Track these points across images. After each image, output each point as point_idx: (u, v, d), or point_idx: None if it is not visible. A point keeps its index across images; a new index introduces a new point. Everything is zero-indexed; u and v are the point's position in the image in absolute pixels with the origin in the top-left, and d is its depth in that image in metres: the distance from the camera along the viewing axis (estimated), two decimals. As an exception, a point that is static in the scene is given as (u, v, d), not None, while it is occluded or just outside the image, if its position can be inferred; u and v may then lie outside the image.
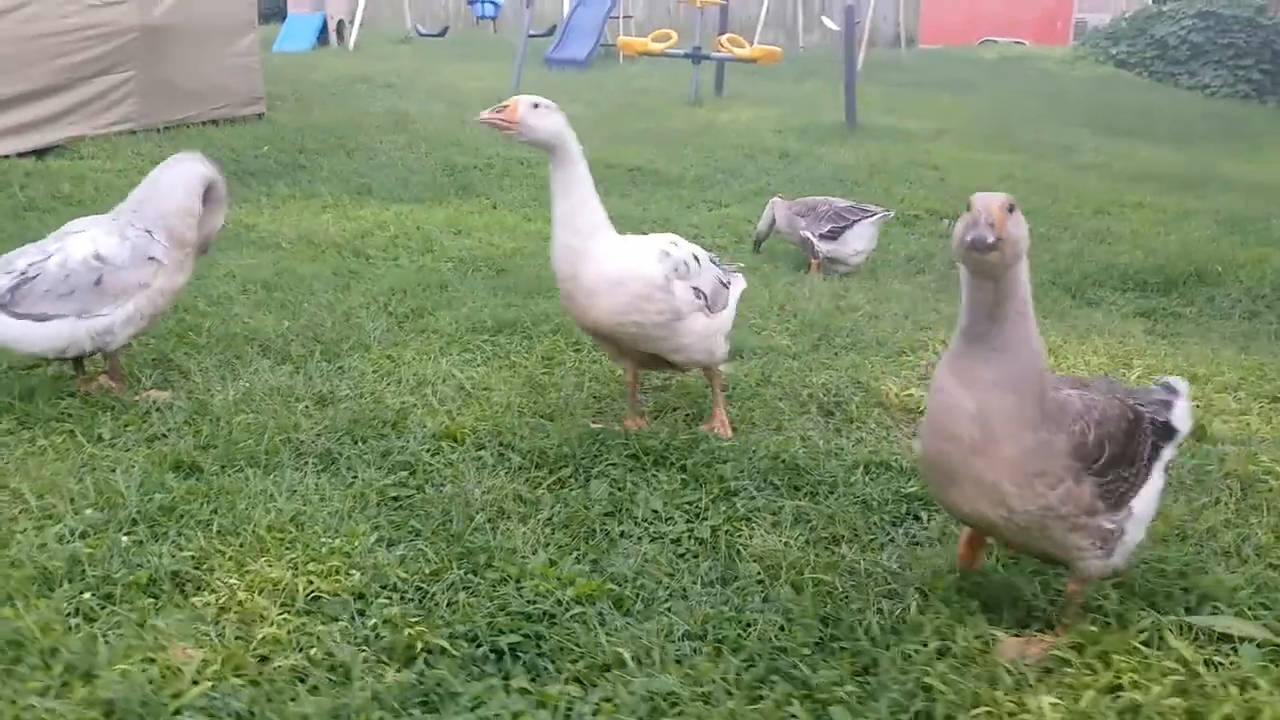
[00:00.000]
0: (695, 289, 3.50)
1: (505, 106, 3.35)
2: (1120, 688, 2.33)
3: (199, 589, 2.57)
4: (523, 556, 2.76)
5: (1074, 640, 2.47)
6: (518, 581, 2.64)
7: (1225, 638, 2.52)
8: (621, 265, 3.39)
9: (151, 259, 3.63)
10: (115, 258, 3.57)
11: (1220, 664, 2.42)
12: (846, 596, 2.64)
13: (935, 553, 2.86)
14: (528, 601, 2.55)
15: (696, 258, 3.56)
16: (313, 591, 2.57)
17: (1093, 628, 2.53)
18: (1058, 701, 2.28)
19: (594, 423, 3.66)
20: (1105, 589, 2.69)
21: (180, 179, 3.76)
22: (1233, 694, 2.31)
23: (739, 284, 3.90)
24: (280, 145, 8.98)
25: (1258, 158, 12.80)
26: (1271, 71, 19.54)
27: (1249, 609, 2.64)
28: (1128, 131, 13.83)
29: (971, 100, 15.63)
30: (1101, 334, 5.08)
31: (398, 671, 2.30)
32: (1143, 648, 2.46)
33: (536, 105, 3.35)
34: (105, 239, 3.59)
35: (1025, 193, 8.97)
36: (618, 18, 17.94)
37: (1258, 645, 2.49)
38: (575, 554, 2.80)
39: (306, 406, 3.67)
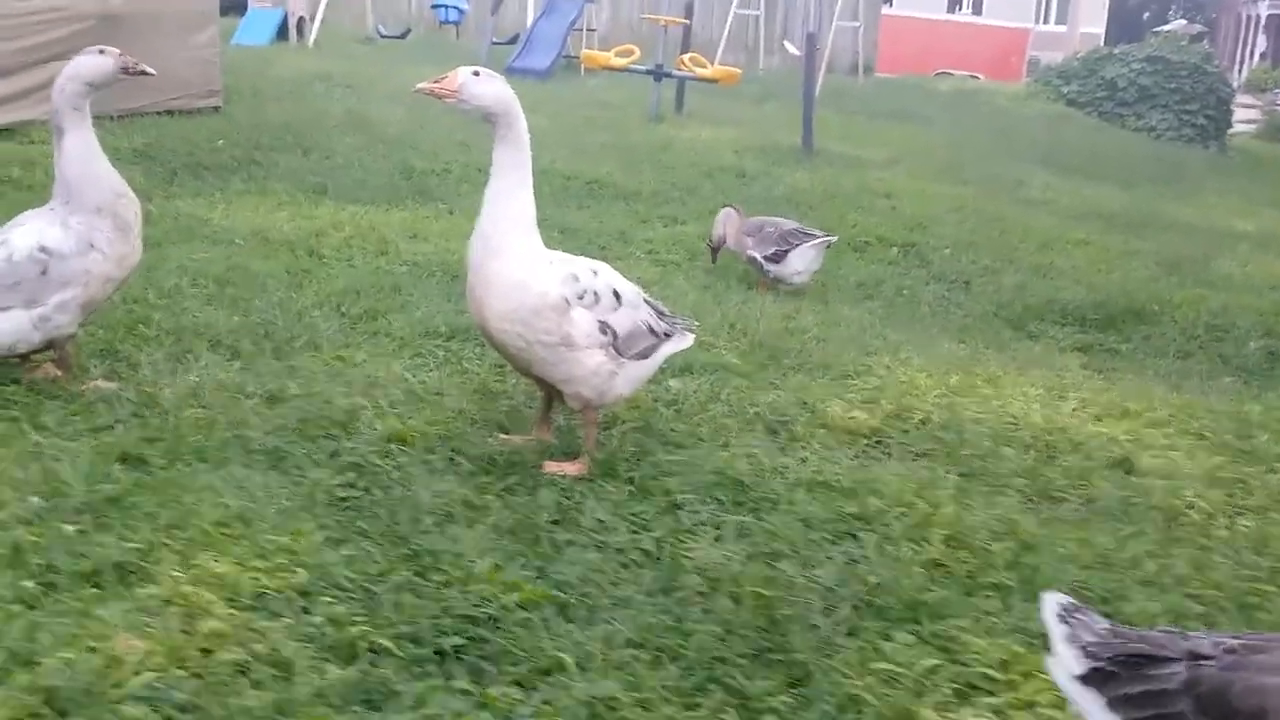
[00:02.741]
0: (603, 324, 3.37)
1: (445, 76, 3.28)
2: (1040, 705, 2.42)
3: (144, 581, 2.58)
4: (469, 560, 2.79)
5: (1000, 658, 2.57)
6: (463, 585, 2.67)
7: (1143, 662, 2.63)
8: (524, 272, 3.28)
9: (94, 246, 3.63)
10: (60, 248, 3.57)
11: (1137, 687, 2.52)
12: (784, 610, 2.71)
13: (871, 570, 2.95)
14: (473, 605, 2.59)
15: (617, 293, 3.43)
16: (258, 587, 2.59)
17: (1017, 648, 2.63)
18: (983, 715, 2.37)
19: (502, 436, 3.59)
20: (1030, 612, 2.79)
21: (102, 166, 3.73)
22: (1147, 715, 2.42)
23: (681, 342, 3.69)
24: (236, 140, 8.90)
25: (1198, 201, 13.18)
26: (1215, 117, 20.15)
27: (1167, 636, 2.76)
28: (1076, 170, 14.17)
29: (925, 131, 15.91)
30: (1040, 366, 5.23)
31: (341, 669, 2.33)
32: (1065, 669, 2.56)
33: (477, 73, 3.27)
34: (49, 230, 3.59)
35: (974, 225, 9.18)
36: (581, 30, 18.00)
37: (1173, 670, 2.60)
38: (521, 560, 2.84)
39: (256, 403, 3.68)
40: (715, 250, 6.82)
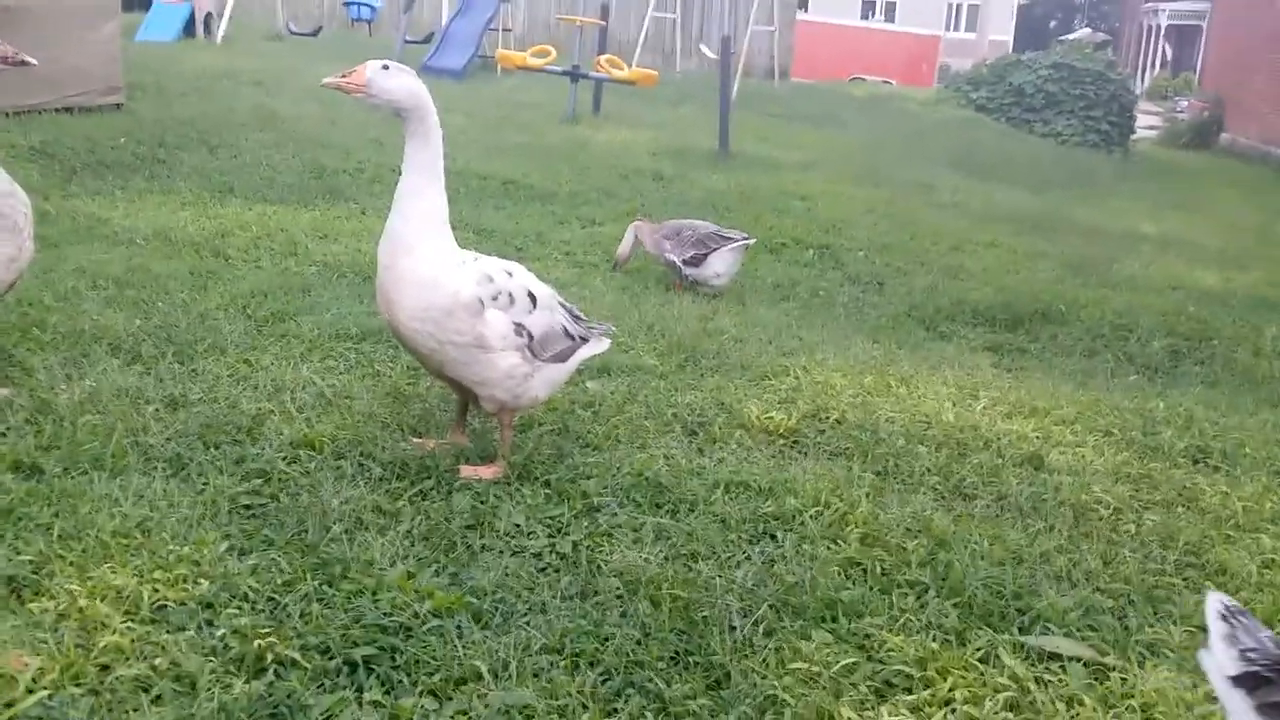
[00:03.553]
0: (518, 326, 3.32)
1: (353, 71, 3.20)
2: (956, 702, 2.44)
3: (37, 594, 2.45)
4: (380, 568, 2.72)
5: (917, 656, 2.58)
6: (374, 594, 2.60)
7: (1055, 657, 2.68)
8: (436, 271, 3.22)
9: None
10: None
11: (1050, 681, 2.57)
12: (703, 612, 2.69)
13: (788, 570, 2.95)
14: (384, 614, 2.52)
15: (532, 295, 3.38)
16: (158, 600, 2.48)
17: (933, 644, 2.65)
18: (901, 714, 2.37)
19: (414, 440, 3.53)
20: (945, 608, 2.82)
21: None
22: (1060, 710, 2.46)
23: (597, 346, 3.67)
24: (139, 137, 8.62)
25: (1103, 204, 13.59)
26: (1118, 124, 20.81)
27: (1077, 630, 2.81)
28: (985, 173, 14.51)
29: (839, 135, 16.15)
30: (951, 366, 5.31)
31: (246, 683, 2.24)
32: (979, 664, 2.59)
33: (386, 66, 3.20)
34: None
35: (886, 227, 9.32)
36: (497, 30, 17.86)
37: (1084, 664, 2.65)
38: (434, 566, 2.78)
39: (157, 409, 3.54)
40: (617, 265, 6.83)
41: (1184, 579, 3.15)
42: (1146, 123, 24.24)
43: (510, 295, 3.33)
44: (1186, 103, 24.60)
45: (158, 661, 2.26)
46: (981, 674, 2.55)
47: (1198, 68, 27.73)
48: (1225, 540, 3.43)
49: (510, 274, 3.40)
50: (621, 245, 6.81)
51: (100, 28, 9.47)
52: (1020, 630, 2.77)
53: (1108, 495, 3.67)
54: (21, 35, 8.44)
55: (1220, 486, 3.89)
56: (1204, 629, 2.88)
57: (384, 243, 3.27)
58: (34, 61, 3.61)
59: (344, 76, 3.20)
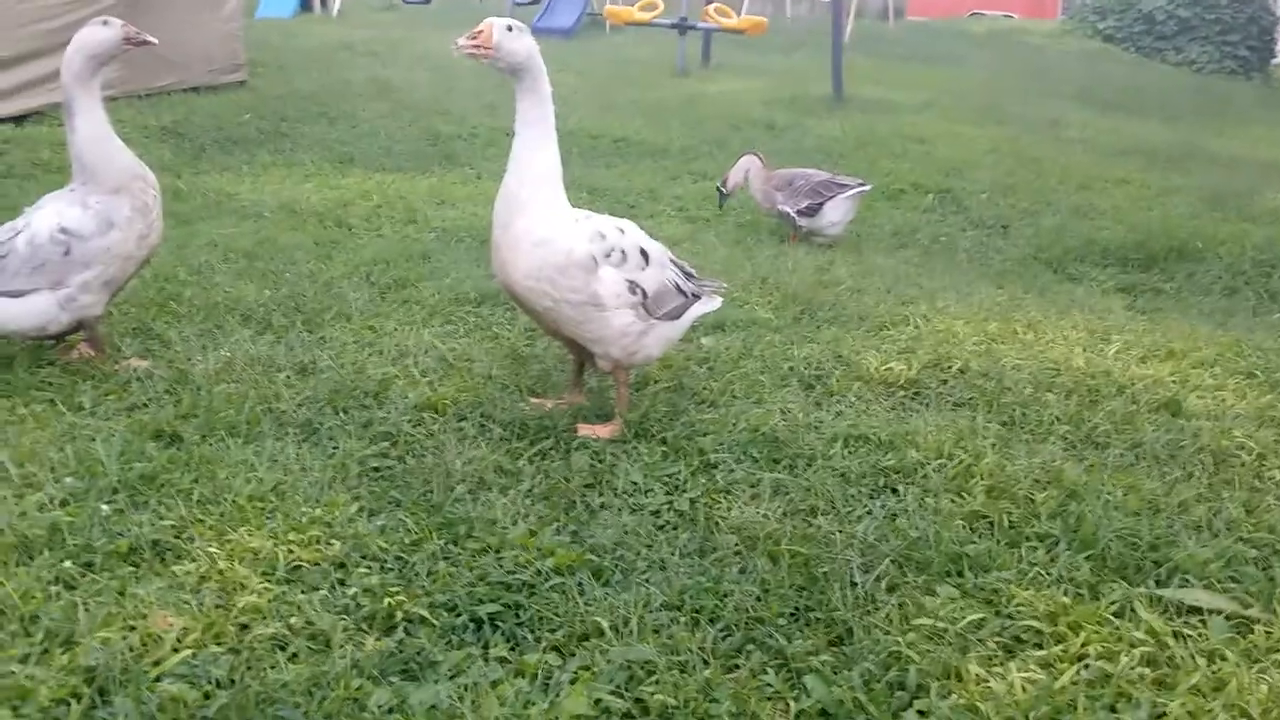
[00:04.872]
0: (631, 283, 3.32)
1: (479, 32, 3.21)
2: (1089, 658, 2.37)
3: (179, 558, 2.58)
4: (503, 527, 2.77)
5: (1047, 610, 2.51)
6: (497, 552, 2.66)
7: (1194, 610, 2.57)
8: (551, 229, 3.24)
9: (114, 225, 3.63)
10: (81, 229, 3.58)
11: (1189, 636, 2.46)
12: (823, 568, 2.67)
13: (911, 524, 2.89)
14: (507, 571, 2.57)
15: (645, 252, 3.38)
16: (293, 561, 2.58)
17: (1064, 598, 2.57)
18: (1030, 673, 2.32)
19: (533, 400, 3.58)
20: (1077, 561, 2.73)
21: (115, 146, 3.71)
22: (1200, 665, 2.36)
23: (709, 304, 3.66)
24: (262, 113, 8.91)
25: (1242, 134, 12.83)
26: (1258, 48, 19.56)
27: (1218, 582, 2.69)
28: (1114, 107, 13.84)
29: (958, 73, 15.60)
30: (1081, 309, 5.11)
31: (377, 640, 2.32)
32: (1113, 619, 2.50)
33: (510, 28, 3.23)
34: (68, 211, 3.60)
35: (1010, 168, 8.99)
36: (604, -14, 17.79)
37: (1226, 618, 2.54)
38: (555, 525, 2.82)
39: (288, 376, 3.67)
40: (726, 195, 6.67)
41: (1336, 528, 2.97)
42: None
43: (623, 252, 3.34)
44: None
45: (293, 620, 2.35)
46: (1116, 629, 2.46)
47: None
48: (1383, 487, 3.22)
49: (623, 231, 3.41)
50: (733, 172, 6.66)
51: (221, 8, 9.79)
52: (1157, 583, 2.67)
53: (1251, 440, 3.49)
54: (147, 19, 8.75)
55: (1377, 430, 3.65)
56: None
57: (499, 203, 3.31)
58: (154, 41, 3.75)
59: (471, 39, 3.23)
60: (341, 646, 2.28)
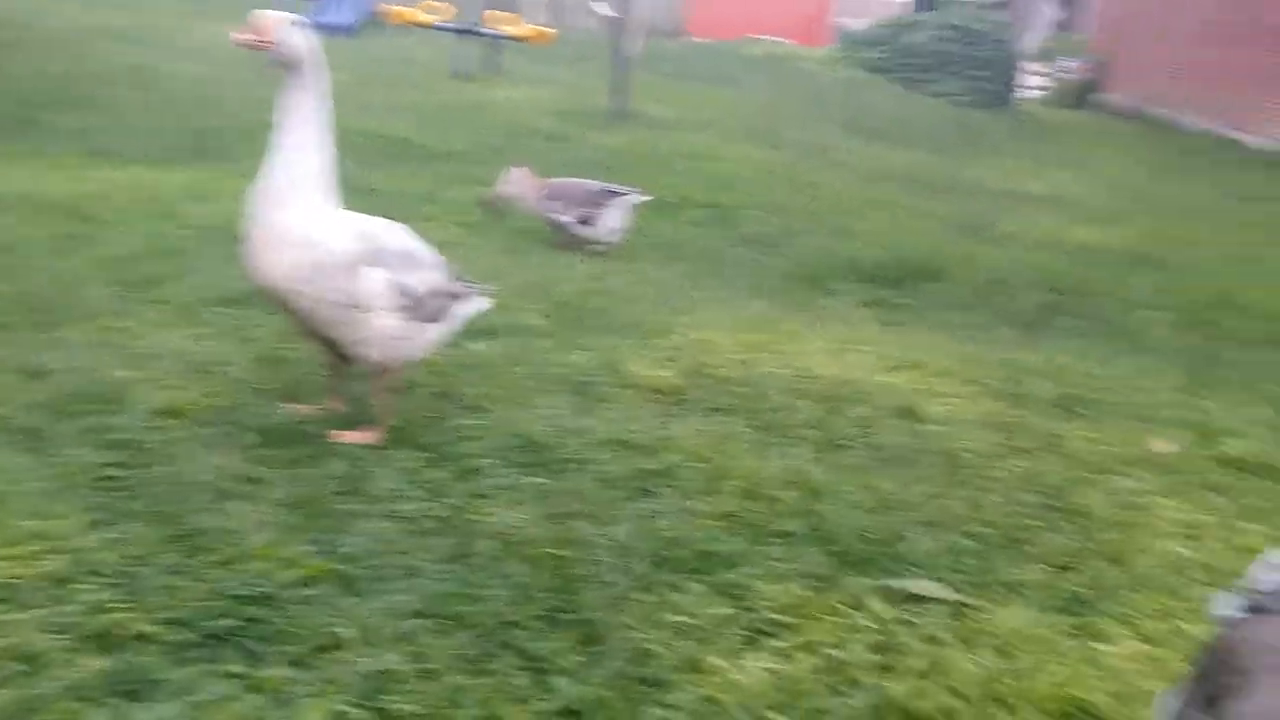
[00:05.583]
0: (396, 285, 3.26)
1: (260, 24, 3.13)
2: (824, 646, 2.49)
3: None
4: (246, 538, 2.65)
5: (788, 603, 2.63)
6: (238, 564, 2.54)
7: (919, 599, 2.75)
8: (312, 228, 3.15)
9: None
10: None
11: (913, 622, 2.64)
12: (578, 570, 2.69)
13: (668, 525, 2.97)
14: (248, 584, 2.46)
15: (411, 254, 3.34)
16: (8, 577, 2.38)
17: (804, 592, 2.70)
18: (768, 663, 2.42)
19: (288, 406, 3.46)
20: (817, 557, 2.87)
21: None
22: (921, 649, 2.53)
23: (476, 304, 3.66)
24: (5, 96, 8.21)
25: (991, 164, 13.87)
26: (1005, 84, 21.22)
27: (945, 573, 2.89)
28: (879, 134, 14.68)
29: (736, 95, 16.16)
30: (836, 322, 5.39)
31: (98, 659, 2.17)
32: (847, 609, 2.65)
33: (293, 22, 3.17)
34: None
35: (781, 188, 9.39)
36: (388, -14, 17.40)
37: (947, 605, 2.73)
38: (304, 535, 2.72)
39: (14, 379, 3.39)
40: (491, 205, 6.61)
41: (1044, 521, 3.26)
42: (1034, 83, 24.77)
43: (387, 253, 3.28)
44: (1075, 64, 25.20)
45: (3, 642, 2.17)
46: (848, 618, 2.61)
47: (1086, 27, 28.50)
48: (1086, 483, 3.56)
49: (388, 231, 3.36)
50: (499, 186, 6.56)
51: (-43, -20, 8.97)
52: (887, 575, 2.84)
53: (977, 444, 3.78)
54: None
55: (1084, 433, 4.03)
56: (1062, 567, 3.01)
57: (258, 198, 3.18)
58: None
59: (251, 32, 3.11)
60: (55, 667, 2.12)
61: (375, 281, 3.23)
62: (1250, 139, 16.73)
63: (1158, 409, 4.49)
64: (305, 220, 3.16)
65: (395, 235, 3.38)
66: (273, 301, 3.30)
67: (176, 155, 7.53)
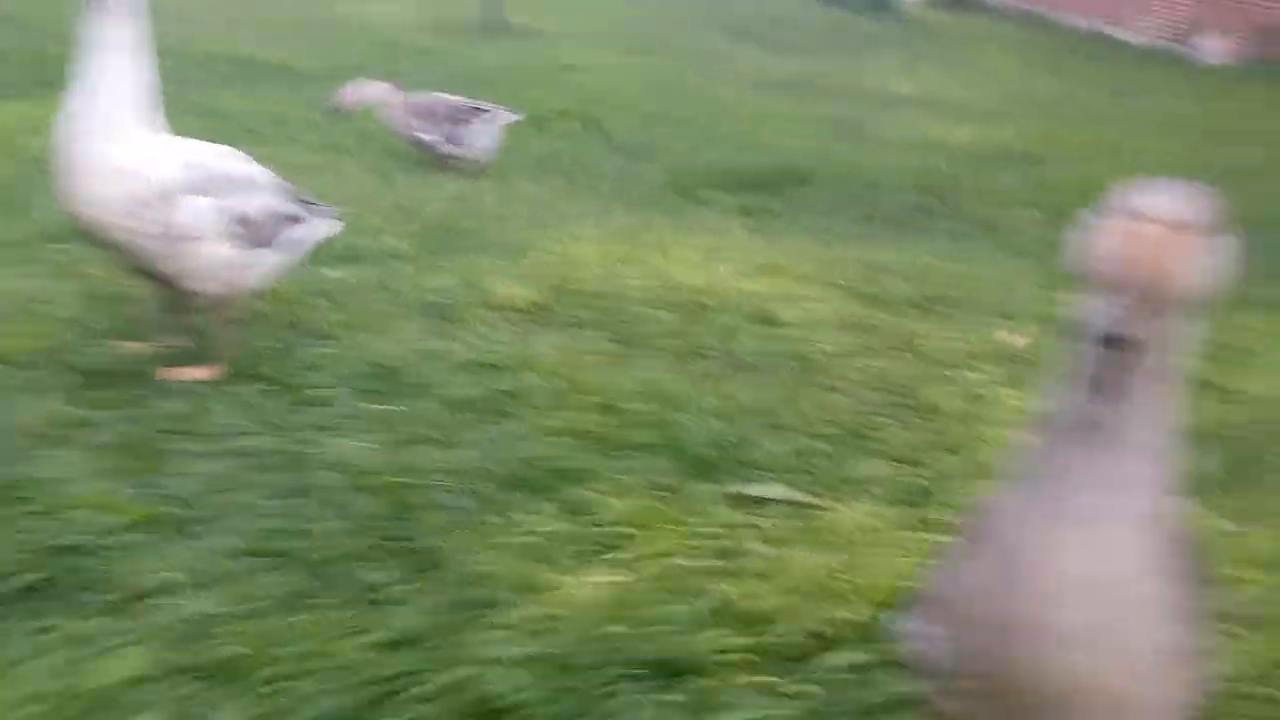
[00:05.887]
0: (225, 211, 3.11)
1: None
2: (668, 555, 2.50)
3: None
4: (68, 484, 2.54)
5: (630, 516, 2.63)
6: (59, 513, 2.43)
7: (766, 501, 2.78)
8: (125, 157, 2.98)
9: None
10: None
11: (758, 526, 2.66)
12: (417, 498, 2.65)
13: (522, 446, 2.93)
14: (68, 533, 2.36)
15: (242, 178, 3.21)
16: None
17: (653, 502, 2.70)
18: (611, 576, 2.42)
19: (123, 345, 3.30)
20: (665, 467, 2.87)
21: None
22: (767, 551, 2.56)
23: (322, 229, 3.50)
24: None
25: (868, 66, 13.87)
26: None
27: (794, 474, 2.93)
28: (756, 39, 14.55)
29: (613, 2, 15.83)
30: (705, 231, 5.36)
31: (-103, 621, 2.07)
32: (693, 518, 2.66)
33: None
34: None
35: (655, 97, 9.25)
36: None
37: (794, 506, 2.77)
38: (132, 478, 2.62)
39: None
40: (339, 111, 6.32)
41: (893, 418, 3.31)
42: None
43: (215, 178, 3.15)
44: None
45: None
46: (694, 527, 2.62)
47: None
48: (936, 379, 3.62)
49: (217, 157, 3.22)
50: (351, 88, 6.23)
51: None
52: (738, 481, 2.86)
53: (832, 345, 3.82)
54: None
55: (939, 331, 4.10)
56: (908, 462, 3.07)
57: (70, 125, 2.99)
58: None
59: None
60: None
61: (198, 209, 3.09)
62: (1128, 35, 17.06)
63: (1017, 305, 4.59)
64: (118, 150, 2.99)
65: (223, 160, 3.23)
66: (93, 238, 3.13)
67: (14, 85, 7.06)
